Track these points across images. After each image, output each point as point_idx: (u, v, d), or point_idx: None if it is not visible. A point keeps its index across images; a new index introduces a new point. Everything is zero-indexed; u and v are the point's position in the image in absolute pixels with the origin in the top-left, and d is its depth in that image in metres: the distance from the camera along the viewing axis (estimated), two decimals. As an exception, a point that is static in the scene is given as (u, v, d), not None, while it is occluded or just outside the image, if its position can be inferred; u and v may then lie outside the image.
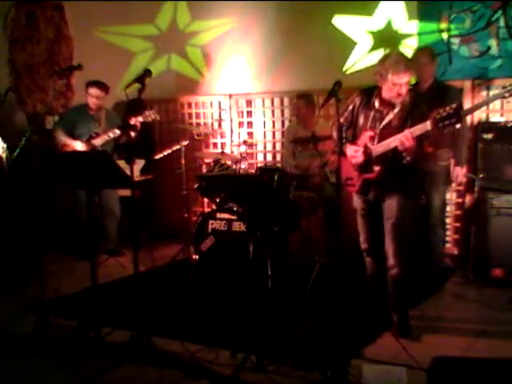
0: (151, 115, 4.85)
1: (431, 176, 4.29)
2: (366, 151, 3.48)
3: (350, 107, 3.61)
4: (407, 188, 3.49)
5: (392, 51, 3.53)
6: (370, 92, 3.52)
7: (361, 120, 3.54)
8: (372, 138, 3.46)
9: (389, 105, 3.43)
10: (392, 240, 3.50)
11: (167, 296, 4.44)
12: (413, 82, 3.79)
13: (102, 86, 5.43)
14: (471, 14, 4.86)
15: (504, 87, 3.36)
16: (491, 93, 4.81)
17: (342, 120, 3.51)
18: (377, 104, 3.47)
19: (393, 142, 3.33)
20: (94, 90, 5.41)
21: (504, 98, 3.38)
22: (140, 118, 4.77)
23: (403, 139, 3.25)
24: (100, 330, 3.53)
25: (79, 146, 5.36)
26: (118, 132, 5.22)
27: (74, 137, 5.42)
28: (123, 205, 5.67)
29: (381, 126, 3.45)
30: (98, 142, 5.35)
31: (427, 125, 3.19)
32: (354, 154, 3.51)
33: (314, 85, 5.37)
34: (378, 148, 3.42)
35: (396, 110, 3.41)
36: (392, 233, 3.50)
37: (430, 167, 4.13)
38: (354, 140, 3.59)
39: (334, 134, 3.74)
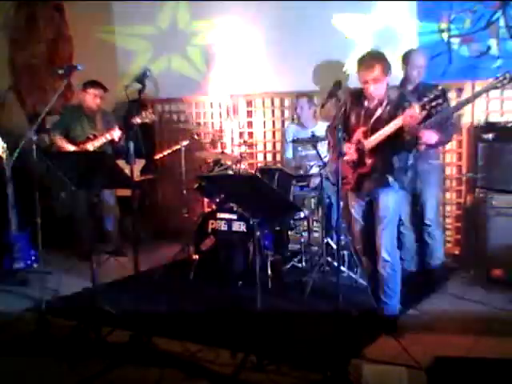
0: (148, 116, 4.84)
1: (424, 175, 4.28)
2: (359, 146, 3.56)
3: (342, 109, 3.67)
4: (399, 180, 3.53)
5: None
6: (358, 93, 3.63)
7: (352, 119, 3.64)
8: (365, 134, 3.54)
9: (376, 101, 3.54)
10: (384, 233, 3.56)
11: (167, 296, 4.43)
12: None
13: (101, 85, 5.40)
14: (471, 14, 4.85)
15: (496, 78, 3.36)
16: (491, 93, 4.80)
17: (337, 121, 3.56)
18: (366, 103, 3.59)
19: (392, 125, 3.36)
20: (94, 90, 5.37)
21: (496, 88, 3.39)
22: (138, 120, 4.75)
23: (408, 115, 3.27)
24: (100, 330, 3.53)
25: (74, 149, 5.27)
26: (116, 133, 5.20)
27: (69, 139, 5.33)
28: (123, 205, 5.65)
29: (371, 121, 3.53)
30: (95, 144, 5.28)
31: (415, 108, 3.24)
32: (348, 150, 3.57)
33: (313, 85, 5.37)
34: (373, 139, 3.48)
35: (383, 105, 3.51)
36: (384, 227, 3.55)
37: (422, 166, 4.12)
38: (347, 139, 3.64)
39: (331, 135, 3.77)
